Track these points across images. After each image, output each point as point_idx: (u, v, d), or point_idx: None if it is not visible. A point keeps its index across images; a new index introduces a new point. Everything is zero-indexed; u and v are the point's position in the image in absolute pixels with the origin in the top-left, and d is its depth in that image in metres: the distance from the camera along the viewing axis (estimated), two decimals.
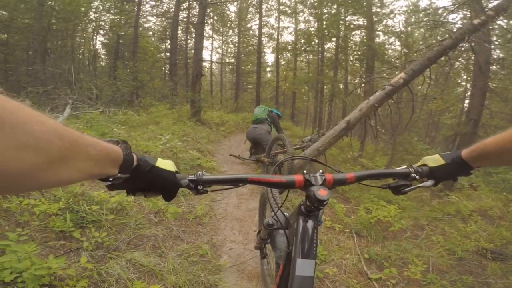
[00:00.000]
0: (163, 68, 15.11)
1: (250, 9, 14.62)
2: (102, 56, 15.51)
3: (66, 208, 2.07)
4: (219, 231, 2.43)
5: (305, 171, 0.69)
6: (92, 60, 13.15)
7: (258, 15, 12.65)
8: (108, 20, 12.16)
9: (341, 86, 10.54)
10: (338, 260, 2.01)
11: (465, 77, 10.59)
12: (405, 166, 0.74)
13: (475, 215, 3.44)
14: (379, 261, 2.07)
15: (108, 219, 2.12)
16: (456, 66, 9.62)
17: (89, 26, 11.78)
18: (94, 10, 11.39)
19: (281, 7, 12.37)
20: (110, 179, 0.48)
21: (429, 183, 0.72)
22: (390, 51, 10.17)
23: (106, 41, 14.05)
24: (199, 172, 0.65)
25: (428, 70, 3.78)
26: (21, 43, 10.39)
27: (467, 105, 8.26)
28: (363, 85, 7.63)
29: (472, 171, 0.70)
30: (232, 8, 16.53)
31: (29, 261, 1.35)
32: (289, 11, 11.06)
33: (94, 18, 11.80)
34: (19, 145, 0.26)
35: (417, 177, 0.72)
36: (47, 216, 2.01)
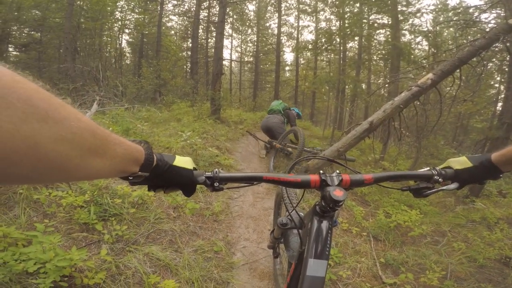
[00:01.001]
0: (185, 67, 15.47)
1: (269, 8, 14.58)
2: (128, 55, 16.15)
3: (90, 201, 2.16)
4: (234, 228, 2.47)
5: (321, 171, 0.69)
6: (118, 58, 13.72)
7: (277, 14, 12.60)
8: (133, 19, 12.65)
9: (364, 86, 10.27)
10: (353, 263, 1.97)
11: (498, 78, 9.94)
12: (428, 168, 0.72)
13: (502, 223, 3.25)
14: (396, 265, 2.02)
15: (129, 213, 2.22)
16: (489, 67, 9.05)
17: (115, 25, 12.30)
18: (119, 9, 11.89)
19: (301, 6, 12.22)
20: (131, 177, 0.51)
21: (452, 186, 0.70)
22: (416, 51, 9.74)
23: (131, 40, 14.62)
24: (216, 170, 0.66)
25: (458, 71, 3.60)
26: (53, 41, 11.05)
27: (500, 108, 7.76)
28: (387, 85, 7.39)
29: (501, 175, 0.67)
30: (251, 7, 16.55)
31: (53, 252, 1.39)
32: (309, 10, 10.88)
33: (119, 17, 12.33)
34: (58, 138, 0.29)
35: (440, 179, 0.70)
36: (73, 208, 2.10)
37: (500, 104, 9.14)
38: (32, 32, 11.54)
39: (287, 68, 19.89)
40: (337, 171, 0.69)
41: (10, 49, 12.23)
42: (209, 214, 2.55)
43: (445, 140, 10.11)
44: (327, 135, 7.69)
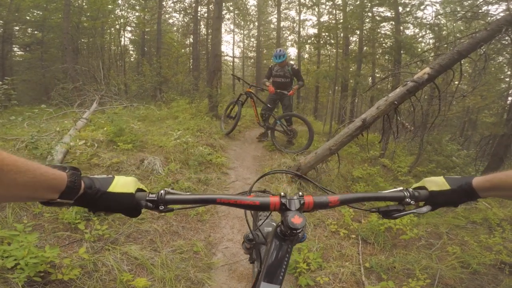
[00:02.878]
0: (188, 63, 15.44)
1: (270, 2, 14.34)
2: (131, 52, 16.22)
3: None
4: (218, 229, 2.43)
5: (282, 193, 0.66)
6: (120, 57, 13.79)
7: (277, 8, 12.39)
8: (134, 17, 12.65)
9: (369, 80, 10.02)
10: (336, 268, 1.91)
11: (509, 73, 9.57)
12: (401, 188, 0.69)
13: (505, 224, 3.11)
14: (380, 271, 1.94)
15: None
16: (499, 60, 8.69)
17: (116, 23, 12.33)
18: (120, 7, 11.89)
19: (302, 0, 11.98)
20: (51, 203, 0.50)
21: (424, 209, 0.66)
22: (423, 44, 9.43)
23: (133, 37, 14.65)
24: (162, 191, 0.62)
25: (459, 65, 3.44)
26: (55, 41, 11.17)
27: (510, 103, 7.45)
28: (386, 79, 7.19)
29: (478, 200, 0.64)
30: (252, 2, 16.35)
31: (27, 250, 1.49)
32: (310, 3, 10.63)
33: (120, 16, 12.33)
34: None
35: (411, 202, 0.66)
36: (59, 208, 2.16)
37: (510, 98, 8.80)
38: (35, 32, 11.69)
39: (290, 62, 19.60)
40: (300, 193, 0.66)
41: (15, 49, 12.44)
42: (193, 214, 2.51)
43: (452, 135, 9.84)
44: (327, 130, 7.57)
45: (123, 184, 0.59)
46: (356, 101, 8.79)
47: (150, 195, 0.61)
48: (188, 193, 0.65)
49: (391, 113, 3.41)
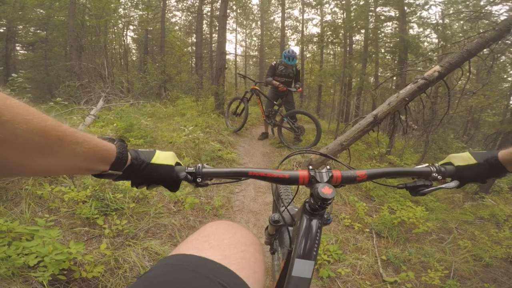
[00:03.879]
0: (190, 62, 15.47)
1: (273, 1, 14.37)
2: (134, 51, 16.24)
3: (92, 196, 2.19)
4: None
5: (310, 166, 0.65)
6: (123, 55, 13.81)
7: (281, 8, 12.41)
8: (137, 16, 12.66)
9: (372, 79, 10.05)
10: (353, 260, 1.94)
11: None
12: (427, 165, 0.67)
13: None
14: (397, 263, 1.97)
15: (130, 207, 2.23)
16: (502, 60, 8.71)
17: (119, 22, 12.35)
18: (123, 6, 11.91)
19: None
20: (102, 175, 0.51)
21: (452, 184, 0.65)
22: (426, 43, 9.45)
23: (136, 36, 14.67)
24: (199, 165, 0.64)
25: (467, 63, 3.48)
26: (59, 39, 11.19)
27: None
28: (395, 78, 7.23)
29: (506, 174, 0.62)
30: (255, 1, 16.39)
31: (52, 246, 1.41)
32: (314, 3, 10.65)
33: (123, 14, 12.34)
34: None
35: (439, 177, 0.65)
36: (75, 203, 2.13)
37: None
38: (38, 31, 11.70)
39: None
40: (328, 166, 0.66)
41: (18, 48, 12.45)
42: (209, 208, 2.54)
43: (455, 134, 9.87)
44: (332, 128, 7.59)
45: (164, 157, 0.61)
46: (361, 99, 8.80)
47: (189, 168, 0.63)
48: (222, 168, 0.66)
49: (401, 110, 3.45)
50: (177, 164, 0.64)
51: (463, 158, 0.65)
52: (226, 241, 0.59)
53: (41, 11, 10.60)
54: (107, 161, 0.49)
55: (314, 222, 0.63)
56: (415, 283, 1.79)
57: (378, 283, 1.76)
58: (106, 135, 0.53)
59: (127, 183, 2.43)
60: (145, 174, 0.58)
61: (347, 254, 2.02)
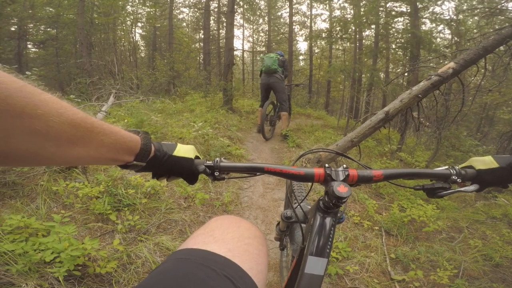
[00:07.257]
0: (198, 58, 15.51)
1: None
2: (142, 48, 16.38)
3: (105, 192, 2.24)
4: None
5: (326, 165, 0.65)
6: (132, 52, 13.95)
7: (288, 3, 12.30)
8: (145, 13, 12.73)
9: (382, 75, 9.88)
10: (362, 258, 1.94)
11: None
12: (446, 167, 0.66)
13: None
14: (406, 262, 1.96)
15: (142, 203, 2.27)
16: None
17: (128, 19, 12.45)
18: (131, 3, 12.00)
19: None
20: (127, 166, 0.53)
21: (472, 187, 0.63)
22: (438, 39, 9.20)
23: (144, 33, 14.78)
24: (217, 159, 0.65)
25: (483, 60, 3.39)
26: (69, 37, 11.37)
27: None
28: (406, 74, 7.09)
29: None
30: None
31: (68, 242, 1.43)
32: None
33: (131, 11, 12.44)
34: (32, 131, 0.33)
35: (458, 180, 0.64)
36: (89, 199, 2.17)
37: None
38: (48, 29, 11.90)
39: (300, 57, 19.47)
40: (344, 165, 0.65)
41: (29, 46, 12.71)
42: (219, 204, 2.57)
43: (468, 131, 9.64)
44: (342, 125, 7.53)
45: (185, 150, 0.63)
46: (371, 95, 8.69)
47: (207, 162, 0.65)
48: (239, 162, 0.67)
49: (413, 107, 3.39)
50: (196, 157, 0.66)
51: (484, 161, 0.63)
52: (230, 235, 0.61)
53: (50, 9, 10.77)
54: (132, 152, 0.51)
55: (328, 220, 0.64)
56: (423, 282, 1.78)
57: (386, 281, 1.76)
58: (131, 128, 0.55)
59: (140, 179, 2.49)
60: (167, 166, 0.60)
61: (355, 252, 2.02)
